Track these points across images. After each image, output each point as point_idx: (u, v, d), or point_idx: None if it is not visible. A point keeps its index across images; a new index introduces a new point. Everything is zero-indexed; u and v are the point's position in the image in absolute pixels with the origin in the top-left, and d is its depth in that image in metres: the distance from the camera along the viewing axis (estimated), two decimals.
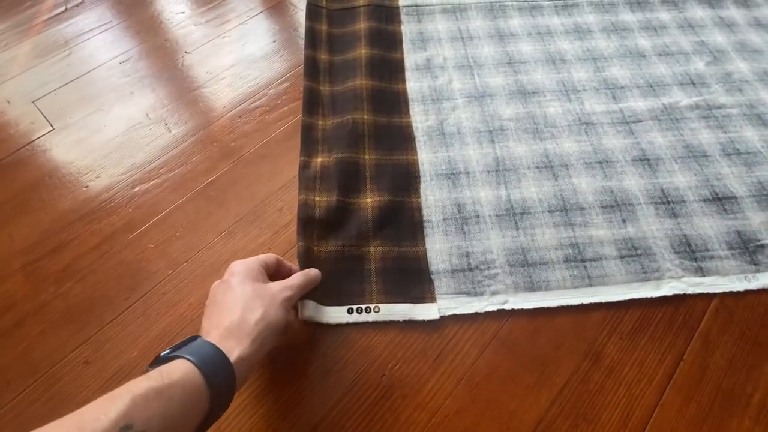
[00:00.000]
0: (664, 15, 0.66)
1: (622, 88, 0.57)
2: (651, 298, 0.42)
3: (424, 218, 0.47)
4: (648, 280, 0.43)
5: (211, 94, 0.58)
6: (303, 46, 0.61)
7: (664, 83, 0.58)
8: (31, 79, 0.59)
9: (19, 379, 0.38)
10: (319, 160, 0.51)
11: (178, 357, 0.28)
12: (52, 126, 0.55)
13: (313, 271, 0.39)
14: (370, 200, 0.47)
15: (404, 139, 0.53)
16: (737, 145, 0.52)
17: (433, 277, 0.43)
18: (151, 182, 0.50)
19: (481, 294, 0.42)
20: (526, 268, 0.44)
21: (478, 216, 0.47)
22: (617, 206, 0.47)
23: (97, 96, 0.58)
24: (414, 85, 0.58)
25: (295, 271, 0.39)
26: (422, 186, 0.49)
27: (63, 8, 0.67)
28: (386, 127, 0.53)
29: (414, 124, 0.54)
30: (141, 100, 0.57)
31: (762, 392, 0.38)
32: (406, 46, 0.62)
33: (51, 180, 0.50)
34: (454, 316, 0.41)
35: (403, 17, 0.65)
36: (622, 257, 0.44)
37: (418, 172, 0.50)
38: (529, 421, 0.37)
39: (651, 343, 0.40)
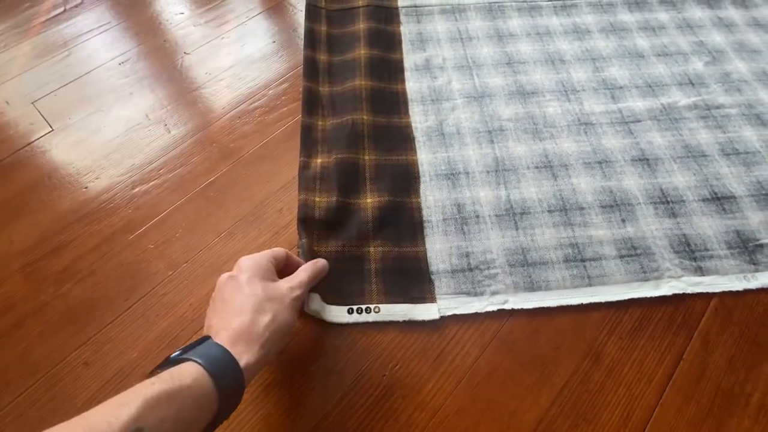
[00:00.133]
0: (663, 15, 0.66)
1: (621, 88, 0.57)
2: (650, 298, 0.42)
3: (424, 218, 0.47)
4: (647, 279, 0.43)
5: (210, 94, 0.58)
6: (302, 47, 0.61)
7: (663, 83, 0.58)
8: (30, 80, 0.59)
9: (19, 380, 0.38)
10: (319, 160, 0.51)
11: (188, 359, 0.27)
12: (51, 127, 0.55)
13: (321, 262, 0.38)
14: (369, 201, 0.47)
15: (404, 139, 0.53)
16: (736, 145, 0.52)
17: (433, 277, 0.43)
18: (151, 183, 0.50)
19: (481, 294, 0.42)
20: (525, 268, 0.44)
21: (477, 216, 0.47)
22: (616, 206, 0.48)
23: (97, 97, 0.58)
24: (413, 85, 0.58)
25: (302, 264, 0.38)
26: (422, 186, 0.49)
27: (62, 9, 0.67)
28: (386, 128, 0.53)
29: (413, 125, 0.54)
30: (140, 101, 0.57)
31: (761, 392, 0.38)
32: (406, 46, 0.62)
33: (50, 181, 0.50)
34: (454, 316, 0.41)
35: (402, 18, 0.65)
36: (621, 257, 0.44)
37: (418, 172, 0.50)
38: (530, 421, 0.37)
39: (651, 342, 0.40)
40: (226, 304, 0.32)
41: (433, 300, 0.42)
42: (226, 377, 0.27)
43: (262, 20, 0.67)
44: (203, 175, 0.51)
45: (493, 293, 0.42)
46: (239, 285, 0.32)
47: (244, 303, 0.31)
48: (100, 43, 0.63)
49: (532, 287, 0.43)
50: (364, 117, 0.53)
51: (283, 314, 0.32)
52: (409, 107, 0.56)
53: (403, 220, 0.46)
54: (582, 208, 0.47)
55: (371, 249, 0.44)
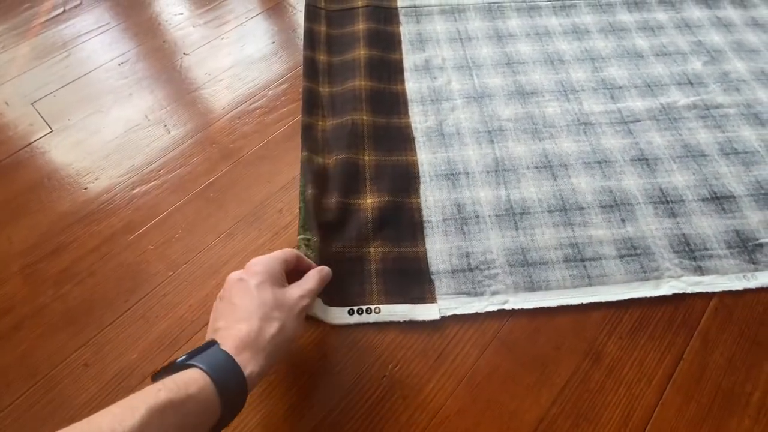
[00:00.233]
0: (662, 15, 0.66)
1: (620, 88, 0.57)
2: (650, 298, 0.42)
3: (424, 219, 0.47)
4: (647, 279, 0.43)
5: (209, 95, 0.58)
6: (302, 48, 0.61)
7: (662, 83, 0.58)
8: (29, 81, 0.59)
9: (19, 382, 0.38)
10: (320, 159, 0.51)
11: (194, 366, 0.27)
12: (50, 128, 0.55)
13: (326, 269, 0.38)
14: (370, 201, 0.47)
15: (403, 139, 0.53)
16: (735, 145, 0.52)
17: (433, 277, 0.43)
18: (151, 184, 0.50)
19: (482, 294, 0.42)
20: (525, 268, 0.44)
21: (477, 216, 0.47)
22: (616, 206, 0.48)
23: (96, 97, 0.58)
24: (413, 85, 0.58)
25: (312, 267, 0.38)
26: (422, 186, 0.49)
27: (61, 10, 0.67)
28: (385, 128, 0.53)
29: (413, 125, 0.54)
30: (140, 102, 0.57)
31: (761, 391, 0.38)
32: (405, 46, 0.62)
33: (50, 182, 0.50)
34: (455, 316, 0.41)
35: (401, 18, 0.65)
36: (621, 257, 0.44)
37: (418, 172, 0.50)
38: (530, 421, 0.37)
39: (651, 342, 0.40)
40: (235, 308, 0.31)
41: (433, 300, 0.42)
42: (230, 386, 0.27)
43: (262, 21, 0.67)
44: (203, 175, 0.51)
45: (494, 293, 0.42)
46: (249, 290, 0.32)
47: (252, 310, 0.31)
48: (99, 44, 0.63)
49: (532, 287, 0.43)
50: (364, 117, 0.53)
51: (290, 324, 0.32)
52: (409, 107, 0.56)
53: (403, 221, 0.46)
54: (582, 208, 0.47)
55: (371, 249, 0.44)
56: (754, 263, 0.44)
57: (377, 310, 0.41)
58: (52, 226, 0.47)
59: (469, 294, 0.42)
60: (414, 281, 0.43)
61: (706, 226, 0.46)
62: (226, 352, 0.28)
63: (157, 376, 0.28)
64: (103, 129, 0.55)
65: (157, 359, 0.39)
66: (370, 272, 0.43)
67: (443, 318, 0.41)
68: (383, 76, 0.58)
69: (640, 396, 0.38)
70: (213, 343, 0.29)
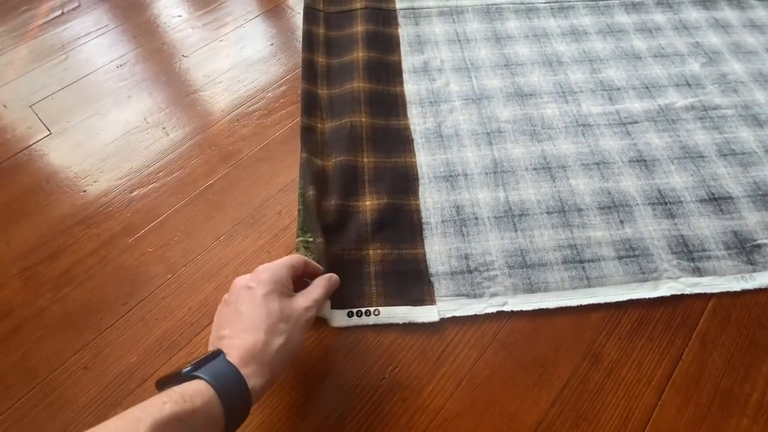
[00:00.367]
0: (659, 17, 0.66)
1: (618, 89, 0.58)
2: (649, 299, 0.42)
3: (423, 220, 0.47)
4: (646, 280, 0.43)
5: (208, 97, 0.58)
6: (300, 50, 0.61)
7: (660, 84, 0.58)
8: (27, 84, 0.59)
9: (18, 385, 0.38)
10: (320, 161, 0.51)
11: (199, 377, 0.27)
12: (49, 130, 0.55)
13: (334, 278, 0.38)
14: (369, 203, 0.47)
15: (402, 141, 0.53)
16: (733, 146, 0.53)
17: (432, 279, 0.43)
18: (150, 186, 0.50)
19: (481, 296, 0.42)
20: (524, 269, 0.44)
21: (476, 218, 0.47)
22: (615, 207, 0.48)
23: (95, 100, 0.57)
24: (411, 87, 0.58)
25: (320, 273, 0.38)
26: (421, 188, 0.49)
27: (59, 12, 0.67)
28: (384, 130, 0.54)
29: (412, 127, 0.54)
30: (138, 104, 0.57)
31: (760, 391, 0.38)
32: (404, 48, 0.62)
33: (48, 185, 0.50)
34: (454, 318, 0.41)
35: (400, 20, 0.65)
36: (620, 258, 0.44)
37: (417, 174, 0.50)
38: (530, 423, 0.37)
39: (649, 343, 0.40)
40: (241, 316, 0.31)
41: (432, 302, 0.42)
42: (234, 399, 0.27)
43: (260, 23, 0.67)
44: (202, 178, 0.51)
45: (493, 295, 0.42)
46: (256, 299, 0.31)
47: (259, 321, 0.30)
48: (97, 46, 0.63)
49: (531, 289, 0.43)
50: (363, 119, 0.53)
51: (296, 336, 0.32)
52: (408, 109, 0.56)
53: (402, 223, 0.47)
54: (580, 210, 0.47)
55: (370, 252, 0.44)
56: (752, 264, 0.44)
57: (376, 312, 0.41)
58: (50, 229, 0.47)
59: (468, 296, 0.42)
60: (413, 283, 0.43)
61: (705, 227, 0.47)
62: (231, 364, 0.28)
63: (162, 384, 0.28)
64: (102, 131, 0.55)
65: (156, 362, 0.39)
66: (369, 274, 0.43)
67: (442, 320, 0.41)
68: (382, 77, 0.58)
69: (639, 397, 0.38)
70: (218, 353, 0.29)
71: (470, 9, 0.66)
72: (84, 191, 0.50)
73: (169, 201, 0.49)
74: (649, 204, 0.48)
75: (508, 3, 0.67)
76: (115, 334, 0.41)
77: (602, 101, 0.56)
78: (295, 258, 0.36)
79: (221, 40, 0.64)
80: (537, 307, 0.42)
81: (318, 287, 0.36)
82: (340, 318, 0.41)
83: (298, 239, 0.45)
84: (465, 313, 0.41)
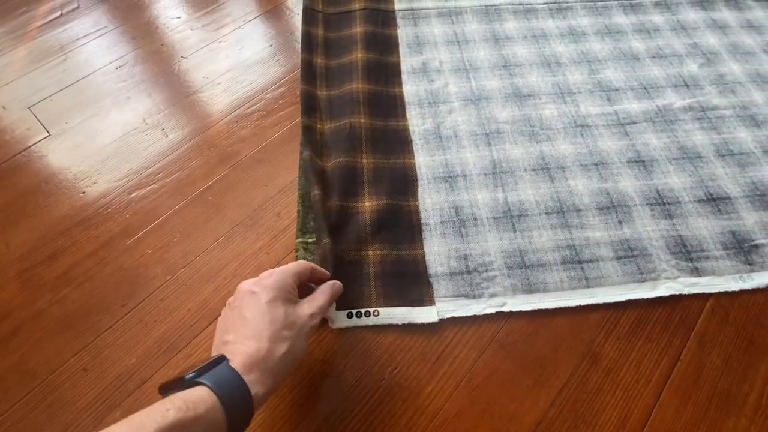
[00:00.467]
0: (657, 17, 0.66)
1: (616, 90, 0.58)
2: (647, 299, 0.42)
3: (422, 221, 0.47)
4: (644, 280, 0.43)
5: (207, 98, 0.58)
6: (299, 51, 0.61)
7: (658, 85, 0.58)
8: (26, 85, 0.59)
9: (17, 387, 0.38)
10: (319, 162, 0.51)
11: (202, 384, 0.27)
12: (48, 132, 0.55)
13: (337, 285, 0.38)
14: (368, 204, 0.47)
15: (401, 142, 0.53)
16: (731, 146, 0.53)
17: (431, 280, 0.43)
18: (149, 188, 0.50)
19: (480, 296, 0.42)
20: (523, 270, 0.44)
21: (475, 218, 0.47)
22: (613, 208, 0.48)
23: (94, 101, 0.57)
24: (410, 88, 0.58)
25: (326, 278, 0.38)
26: (420, 189, 0.49)
27: (58, 13, 0.67)
28: (383, 131, 0.54)
29: (411, 128, 0.54)
30: (137, 105, 0.57)
31: (758, 391, 0.38)
32: (403, 49, 0.62)
33: (47, 186, 0.50)
34: (453, 318, 0.41)
35: (399, 21, 0.65)
36: (618, 258, 0.45)
37: (416, 175, 0.50)
38: (529, 423, 0.37)
39: (648, 343, 0.40)
40: (245, 322, 0.31)
41: (431, 303, 0.42)
42: (237, 407, 0.27)
43: (259, 24, 0.67)
44: (201, 179, 0.51)
45: (492, 295, 0.42)
46: (260, 305, 0.31)
47: (263, 327, 0.30)
48: (96, 48, 0.63)
49: (530, 289, 0.43)
50: (362, 120, 0.53)
51: (300, 343, 0.32)
52: (407, 110, 0.56)
53: (401, 223, 0.47)
54: (579, 210, 0.48)
55: (370, 252, 0.44)
56: (750, 264, 0.44)
57: (376, 313, 0.41)
58: (49, 231, 0.47)
59: (467, 296, 0.42)
60: (412, 284, 0.43)
61: (703, 227, 0.47)
62: (234, 371, 0.28)
63: (165, 390, 0.28)
64: (101, 133, 0.55)
65: (155, 363, 0.39)
66: (368, 275, 0.43)
67: (442, 320, 0.41)
68: (381, 79, 0.58)
69: (637, 397, 0.38)
70: (222, 359, 0.29)
71: (469, 10, 0.67)
72: (83, 193, 0.50)
73: (168, 202, 0.49)
74: (647, 204, 0.48)
75: (506, 4, 0.67)
76: (114, 335, 0.41)
77: (600, 102, 0.57)
78: (301, 265, 0.35)
79: (220, 42, 0.64)
80: (536, 308, 0.42)
81: (322, 294, 0.36)
82: (339, 319, 0.41)
83: (297, 240, 0.45)
84: (464, 314, 0.41)
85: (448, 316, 0.41)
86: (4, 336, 0.41)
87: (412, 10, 0.66)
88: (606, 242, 0.46)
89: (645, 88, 0.58)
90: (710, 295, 0.43)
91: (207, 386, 0.27)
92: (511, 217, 0.47)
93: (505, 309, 0.42)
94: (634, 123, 0.55)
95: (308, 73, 0.58)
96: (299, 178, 0.50)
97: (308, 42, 0.62)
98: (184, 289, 0.43)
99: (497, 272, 0.44)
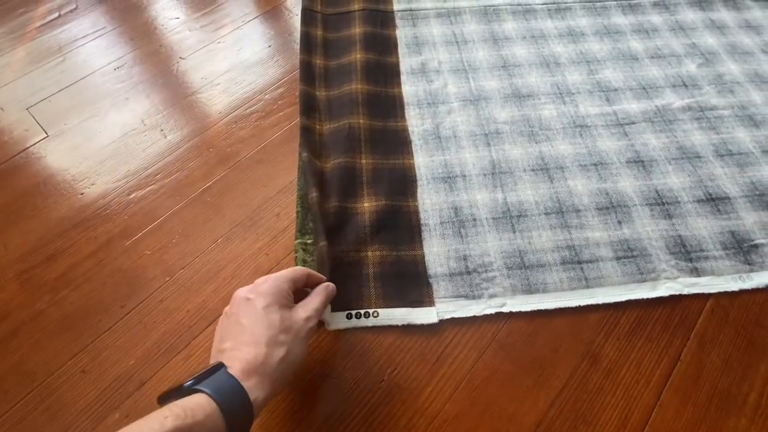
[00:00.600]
0: (656, 18, 0.66)
1: (615, 90, 0.58)
2: (647, 299, 0.42)
3: (422, 222, 0.47)
4: (644, 281, 0.43)
5: (206, 99, 0.58)
6: (298, 51, 0.61)
7: (657, 85, 0.58)
8: (25, 86, 0.59)
9: (16, 389, 0.38)
10: (318, 163, 0.51)
11: (201, 391, 0.27)
12: (46, 133, 0.55)
13: (331, 287, 0.38)
14: (367, 205, 0.47)
15: (400, 143, 0.53)
16: (729, 146, 0.53)
17: (431, 280, 0.43)
18: (147, 189, 0.50)
19: (479, 297, 0.42)
20: (523, 270, 0.44)
21: (475, 219, 0.47)
22: (612, 208, 0.48)
23: (92, 102, 0.57)
24: (409, 89, 0.58)
25: (322, 281, 0.38)
26: (419, 190, 0.49)
27: (56, 14, 0.67)
28: (382, 132, 0.54)
29: (410, 128, 0.54)
30: (136, 106, 0.57)
31: (758, 391, 0.38)
32: (401, 50, 0.62)
33: (46, 187, 0.50)
34: (453, 319, 0.41)
35: (398, 21, 0.65)
36: (618, 258, 0.45)
37: (415, 175, 0.50)
38: (529, 424, 0.37)
39: (648, 344, 0.40)
40: (242, 329, 0.31)
41: (431, 303, 0.42)
42: (236, 413, 0.27)
43: (258, 24, 0.67)
44: (200, 180, 0.51)
45: (491, 296, 0.42)
46: (256, 311, 0.31)
47: (260, 333, 0.30)
48: (95, 48, 0.63)
49: (529, 290, 0.43)
50: (361, 121, 0.53)
51: (297, 347, 0.32)
52: (406, 111, 0.56)
53: (400, 224, 0.47)
54: (578, 210, 0.48)
55: (369, 253, 0.44)
56: (749, 264, 0.44)
57: (375, 314, 0.41)
58: (48, 232, 0.47)
59: (467, 297, 0.42)
60: (412, 285, 0.43)
61: (702, 227, 0.47)
62: (233, 377, 0.28)
63: (164, 399, 0.28)
64: (99, 134, 0.54)
65: (154, 365, 0.39)
66: (368, 276, 0.43)
67: (441, 321, 0.41)
68: (380, 79, 0.58)
69: (637, 397, 0.38)
70: (220, 366, 0.29)
71: (467, 10, 0.67)
72: (81, 194, 0.50)
73: (166, 203, 0.49)
74: (646, 204, 0.48)
75: (505, 4, 0.67)
76: (113, 337, 0.41)
77: (599, 102, 0.57)
78: (297, 271, 0.35)
79: (219, 42, 0.64)
80: (535, 308, 0.42)
81: (316, 296, 0.36)
82: (339, 320, 0.41)
83: (296, 241, 0.45)
84: (464, 315, 0.41)
85: (448, 316, 0.41)
86: (3, 337, 0.40)
87: (410, 10, 0.66)
88: (605, 242, 0.45)
89: (644, 89, 0.58)
90: (710, 295, 0.43)
91: (205, 393, 0.27)
92: (510, 218, 0.47)
93: (505, 309, 0.42)
94: (633, 123, 0.55)
95: (307, 73, 0.58)
96: (298, 179, 0.50)
97: (307, 43, 0.62)
98: (183, 291, 0.43)
99: (497, 273, 0.44)
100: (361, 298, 0.42)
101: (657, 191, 0.49)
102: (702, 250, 0.45)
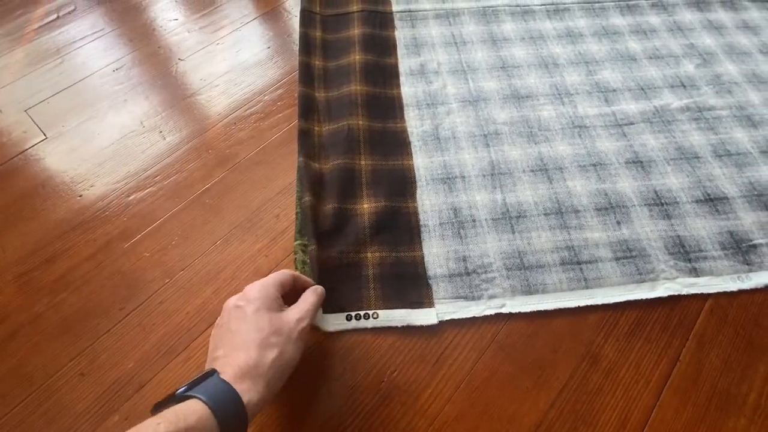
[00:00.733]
0: (654, 18, 0.67)
1: (614, 91, 0.58)
2: (646, 300, 0.42)
3: (421, 223, 0.47)
4: (643, 281, 0.43)
5: (205, 101, 0.58)
6: (297, 53, 0.61)
7: (655, 86, 0.58)
8: (23, 88, 0.59)
9: (14, 392, 0.38)
10: (317, 165, 0.51)
11: (193, 397, 0.27)
12: (44, 135, 0.54)
13: (320, 289, 0.38)
14: (366, 206, 0.47)
15: (400, 144, 0.53)
16: (728, 147, 0.53)
17: (430, 281, 0.43)
18: (146, 190, 0.50)
19: (479, 298, 0.42)
20: (522, 271, 0.44)
21: (474, 220, 0.47)
22: (611, 208, 0.48)
23: (91, 104, 0.57)
24: (408, 90, 0.58)
25: (310, 285, 0.38)
26: (418, 191, 0.49)
27: (55, 16, 0.67)
28: (381, 133, 0.54)
29: (409, 129, 0.54)
30: (135, 108, 0.57)
31: (757, 391, 0.38)
32: (400, 51, 0.62)
33: (44, 189, 0.50)
34: (452, 320, 0.41)
35: (396, 23, 0.65)
36: (617, 259, 0.45)
37: (414, 177, 0.50)
38: (528, 425, 0.37)
39: (647, 344, 0.41)
40: (233, 335, 0.31)
41: (431, 305, 0.42)
42: (230, 416, 0.27)
43: (257, 26, 0.67)
44: (199, 181, 0.51)
45: (491, 297, 0.42)
46: (246, 317, 0.32)
47: (250, 337, 0.31)
48: (93, 50, 0.63)
49: (529, 290, 0.43)
50: (360, 122, 0.53)
51: (290, 348, 0.32)
52: (405, 112, 0.56)
53: (400, 225, 0.47)
54: (577, 211, 0.48)
55: (369, 255, 0.44)
56: (748, 264, 0.45)
57: (375, 316, 0.41)
58: (46, 234, 0.47)
59: (466, 298, 0.42)
60: (411, 286, 0.43)
61: (701, 227, 0.47)
62: (225, 381, 0.28)
63: (157, 408, 0.28)
64: (98, 136, 0.54)
65: (154, 367, 0.39)
66: (367, 277, 0.43)
67: (441, 322, 0.41)
68: (379, 80, 0.58)
69: (637, 398, 0.38)
70: (212, 372, 0.29)
71: (466, 11, 0.67)
72: (80, 196, 0.50)
73: (165, 205, 0.49)
74: (645, 205, 0.48)
75: (503, 5, 0.67)
76: (112, 339, 0.40)
77: (598, 103, 0.57)
78: (284, 275, 0.36)
79: (218, 44, 0.64)
80: (535, 309, 0.42)
81: (307, 299, 0.36)
82: (338, 321, 0.41)
83: (295, 243, 0.45)
84: (463, 316, 0.41)
85: (448, 318, 0.41)
86: (1, 340, 0.40)
87: (409, 11, 0.67)
88: (605, 243, 0.46)
89: (642, 89, 0.58)
90: (709, 295, 0.43)
91: (198, 398, 0.27)
92: (509, 219, 0.47)
93: (504, 310, 0.42)
94: (632, 124, 0.55)
95: (306, 75, 0.58)
96: (297, 181, 0.50)
97: (306, 44, 0.62)
98: (182, 292, 0.43)
99: (496, 274, 0.44)
100: (361, 299, 0.42)
101: (656, 192, 0.49)
102: (701, 251, 0.45)
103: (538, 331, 0.41)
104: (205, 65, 0.62)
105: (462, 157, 0.52)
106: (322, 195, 0.48)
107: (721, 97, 0.57)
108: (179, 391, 0.28)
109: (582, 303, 0.42)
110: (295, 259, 0.44)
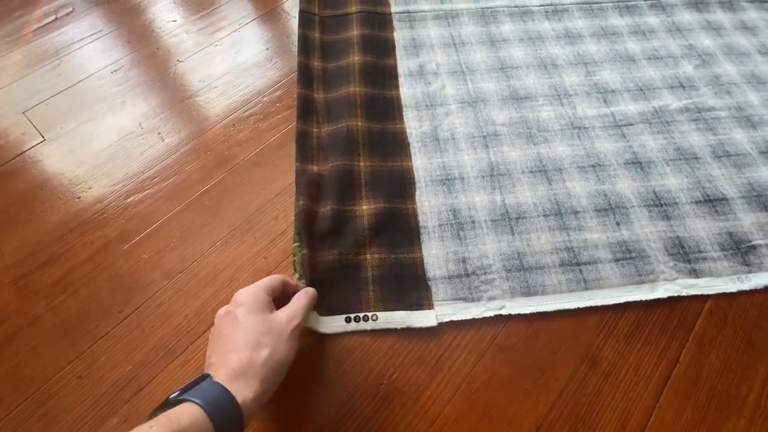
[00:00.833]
0: (653, 19, 0.67)
1: (613, 92, 0.58)
2: (646, 301, 0.42)
3: (420, 224, 0.47)
4: (643, 282, 0.43)
5: (204, 102, 0.58)
6: (296, 54, 0.61)
7: (654, 87, 0.58)
8: (21, 89, 0.59)
9: (12, 396, 0.38)
10: (315, 167, 0.51)
11: (186, 400, 0.27)
12: (43, 136, 0.54)
13: (311, 290, 0.38)
14: (365, 207, 0.47)
15: (399, 145, 0.53)
16: (727, 147, 0.53)
17: (430, 283, 0.43)
18: (145, 192, 0.50)
19: (478, 300, 0.42)
20: (522, 272, 0.44)
21: (473, 221, 0.47)
22: (611, 209, 0.48)
23: (89, 105, 0.57)
24: (407, 91, 0.58)
25: (300, 289, 0.38)
26: (417, 192, 0.49)
27: (53, 17, 0.67)
28: (380, 134, 0.54)
29: (408, 131, 0.54)
30: (133, 109, 0.57)
31: (757, 392, 0.38)
32: (399, 52, 0.62)
33: (42, 191, 0.50)
34: (452, 322, 0.41)
35: (395, 24, 0.65)
36: (616, 260, 0.45)
37: (413, 178, 0.50)
38: (528, 427, 0.37)
39: (647, 345, 0.40)
40: (225, 340, 0.32)
41: (430, 306, 0.42)
42: (225, 417, 0.27)
43: (256, 27, 0.67)
44: (198, 183, 0.50)
45: (490, 299, 0.42)
46: (236, 320, 0.32)
47: (241, 339, 0.31)
48: (92, 51, 0.63)
49: (528, 292, 0.43)
50: (359, 123, 0.53)
51: (282, 347, 0.32)
52: (404, 113, 0.56)
53: (399, 227, 0.46)
54: (577, 212, 0.48)
55: (368, 256, 0.44)
56: (747, 265, 0.45)
57: (374, 318, 0.41)
58: (44, 237, 0.46)
59: (466, 300, 0.42)
60: (411, 287, 0.43)
61: (700, 228, 0.47)
62: (218, 383, 0.28)
63: (152, 415, 0.28)
64: (97, 137, 0.54)
65: (152, 370, 0.39)
66: (366, 279, 0.43)
67: (440, 324, 0.41)
68: (378, 81, 0.58)
69: (637, 399, 0.38)
70: (205, 376, 0.30)
71: (465, 12, 0.67)
72: (78, 198, 0.49)
73: (164, 207, 0.49)
74: (644, 206, 0.48)
75: (502, 6, 0.67)
76: (110, 342, 0.40)
77: (597, 103, 0.57)
78: (273, 279, 0.36)
79: (216, 45, 0.64)
80: (535, 311, 0.42)
81: (297, 300, 0.36)
82: (337, 323, 0.41)
83: (294, 244, 0.45)
84: (463, 317, 0.41)
85: (447, 319, 0.41)
86: None
87: (408, 12, 0.67)
88: (604, 244, 0.46)
89: (641, 90, 0.58)
90: (708, 296, 0.43)
91: (191, 401, 0.27)
92: (509, 220, 0.47)
93: (504, 312, 0.42)
94: (631, 124, 0.55)
95: (305, 76, 0.58)
96: (295, 183, 0.50)
97: (305, 45, 0.62)
98: (181, 295, 0.43)
99: (496, 275, 0.43)
100: (360, 301, 0.42)
101: (655, 192, 0.49)
102: (700, 252, 0.45)
103: (537, 332, 0.41)
104: (203, 67, 0.61)
105: (461, 158, 0.52)
106: (321, 197, 0.48)
107: (720, 97, 0.57)
108: (172, 396, 0.28)
109: (581, 304, 0.42)
110: (294, 260, 0.44)
